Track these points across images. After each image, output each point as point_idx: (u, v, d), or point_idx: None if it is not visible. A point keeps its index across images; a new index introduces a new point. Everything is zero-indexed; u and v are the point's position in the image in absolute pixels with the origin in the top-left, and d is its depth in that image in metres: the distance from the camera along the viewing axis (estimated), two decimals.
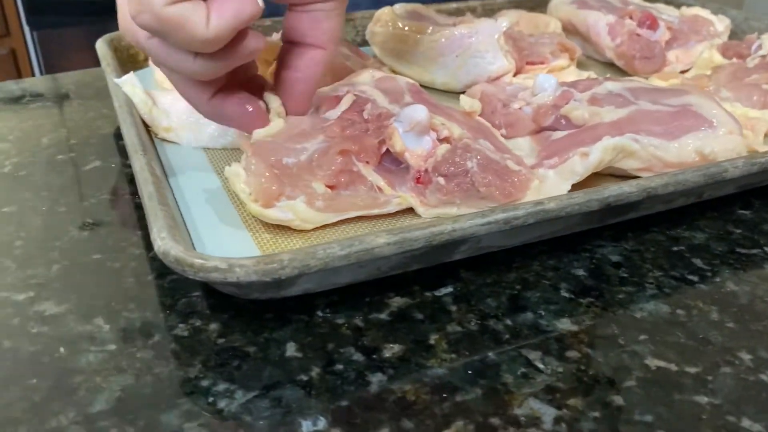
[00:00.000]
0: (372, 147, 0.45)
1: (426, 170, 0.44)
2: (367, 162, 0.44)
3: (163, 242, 0.33)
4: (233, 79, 0.44)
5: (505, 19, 0.62)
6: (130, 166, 0.48)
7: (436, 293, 0.38)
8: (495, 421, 0.29)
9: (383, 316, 0.36)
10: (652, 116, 0.49)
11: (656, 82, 0.62)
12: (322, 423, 0.29)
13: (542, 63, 0.67)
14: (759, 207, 0.47)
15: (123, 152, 0.54)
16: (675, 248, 0.42)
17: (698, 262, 0.41)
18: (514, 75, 0.64)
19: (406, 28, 0.66)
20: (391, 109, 0.48)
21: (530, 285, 0.38)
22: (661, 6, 0.80)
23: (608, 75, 0.70)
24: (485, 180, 0.43)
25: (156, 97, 0.53)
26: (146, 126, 0.52)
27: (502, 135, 0.52)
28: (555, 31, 0.72)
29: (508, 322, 0.35)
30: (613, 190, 0.39)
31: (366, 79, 0.53)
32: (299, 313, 0.36)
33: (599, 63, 0.74)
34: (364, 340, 0.34)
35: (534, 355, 0.33)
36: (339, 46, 0.41)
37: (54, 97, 0.66)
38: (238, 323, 0.35)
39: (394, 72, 0.68)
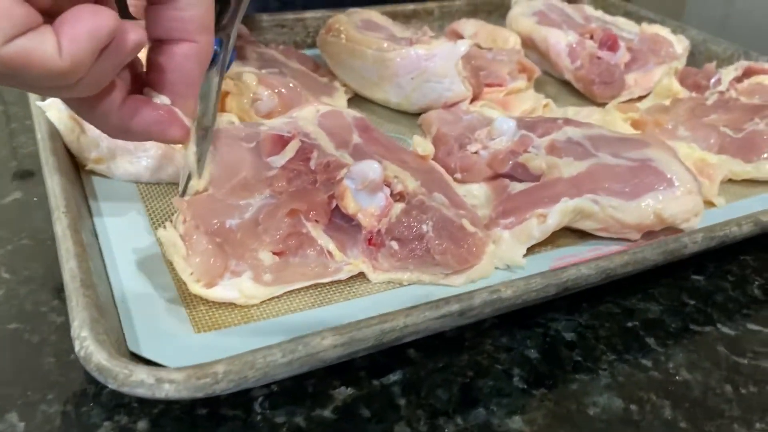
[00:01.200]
0: (322, 204, 0.42)
1: (379, 231, 0.41)
2: (317, 221, 0.41)
3: (83, 345, 0.29)
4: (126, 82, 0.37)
5: (465, 42, 0.59)
6: None
7: (384, 381, 0.36)
8: None
9: (327, 413, 0.34)
10: (611, 171, 0.47)
11: (614, 113, 0.61)
12: None
13: (500, 85, 0.65)
14: (713, 271, 0.46)
15: None
16: (629, 323, 0.41)
17: (652, 341, 0.40)
18: (471, 101, 0.61)
19: (361, 41, 0.62)
20: (339, 156, 0.45)
21: (483, 371, 0.37)
22: (621, 21, 0.78)
23: (565, 95, 0.69)
24: (440, 247, 0.41)
25: (84, 122, 0.48)
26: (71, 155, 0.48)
27: (456, 179, 0.50)
28: (514, 47, 0.70)
29: (459, 421, 0.34)
30: (571, 273, 0.37)
31: (310, 115, 0.50)
32: (235, 409, 0.33)
33: (556, 81, 0.72)
34: None
35: None
36: (212, 35, 0.37)
37: None
38: (168, 421, 0.33)
39: (345, 86, 0.65)
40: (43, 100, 0.49)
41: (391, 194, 0.43)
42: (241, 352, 0.30)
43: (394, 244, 0.41)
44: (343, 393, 0.35)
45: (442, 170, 0.49)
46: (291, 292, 0.40)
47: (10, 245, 0.43)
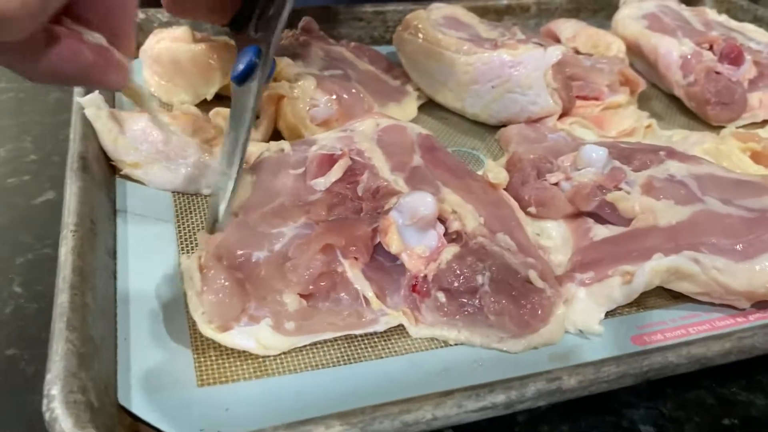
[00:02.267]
0: (364, 239, 0.36)
1: (425, 277, 0.35)
2: (356, 258, 0.36)
3: (50, 406, 0.25)
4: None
5: (558, 49, 0.51)
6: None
7: None
8: None
9: None
10: (721, 222, 0.38)
11: (730, 142, 0.51)
12: None
13: (597, 99, 0.56)
14: None
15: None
16: (726, 420, 0.33)
17: None
18: (561, 117, 0.53)
19: (439, 41, 0.55)
20: (392, 182, 0.39)
21: None
22: (749, 28, 0.67)
23: (674, 114, 0.60)
24: (496, 306, 0.34)
25: (125, 122, 0.45)
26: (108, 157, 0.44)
27: (530, 213, 0.42)
28: (617, 55, 0.61)
29: None
30: (654, 362, 0.30)
31: (368, 129, 0.44)
32: None
33: (666, 96, 0.63)
34: None
35: None
36: None
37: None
38: None
39: (419, 90, 0.58)
40: (86, 94, 0.45)
41: (446, 233, 0.37)
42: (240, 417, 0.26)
43: (441, 296, 0.35)
44: None
45: (513, 203, 0.42)
46: (319, 343, 0.34)
47: (30, 254, 0.40)
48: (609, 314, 0.37)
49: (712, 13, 0.68)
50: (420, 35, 0.57)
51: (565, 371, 0.29)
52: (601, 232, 0.40)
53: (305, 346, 0.34)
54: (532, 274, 0.36)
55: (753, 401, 0.34)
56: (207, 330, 0.32)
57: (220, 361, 0.32)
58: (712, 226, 0.38)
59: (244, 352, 0.32)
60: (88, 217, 0.36)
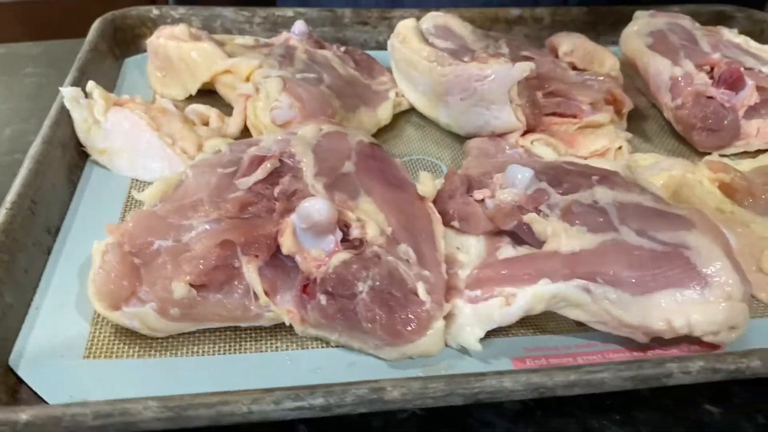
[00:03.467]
0: (266, 238, 0.38)
1: (315, 280, 0.37)
2: (256, 256, 0.38)
3: None
4: None
5: (524, 66, 0.51)
6: None
7: None
8: None
9: None
10: (628, 254, 0.38)
11: (702, 170, 0.50)
12: None
13: (575, 117, 0.56)
14: (738, 404, 0.36)
15: None
16: None
17: None
18: (527, 133, 0.53)
19: (421, 50, 0.56)
20: (311, 186, 0.41)
21: None
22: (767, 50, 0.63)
23: (665, 137, 0.58)
24: (369, 314, 0.35)
25: (101, 113, 0.49)
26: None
27: (453, 227, 0.43)
28: (609, 73, 0.59)
29: None
30: (487, 385, 0.30)
31: (310, 134, 0.46)
32: None
33: (661, 118, 0.61)
34: None
35: None
36: None
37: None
38: None
39: (404, 98, 0.60)
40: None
41: (346, 239, 0.38)
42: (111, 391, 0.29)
43: (324, 299, 0.36)
44: None
45: (436, 217, 0.43)
46: (209, 330, 0.37)
47: None
48: (502, 333, 0.38)
49: (729, 34, 0.65)
50: (405, 43, 0.58)
51: (390, 382, 0.30)
52: (507, 251, 0.40)
53: (195, 332, 0.37)
54: (420, 287, 0.37)
55: None
56: (98, 307, 0.35)
57: (112, 338, 0.36)
58: (618, 257, 0.38)
59: (135, 332, 0.36)
60: (29, 197, 0.40)
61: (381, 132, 0.57)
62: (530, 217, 0.41)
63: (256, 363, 0.36)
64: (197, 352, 0.36)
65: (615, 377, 0.31)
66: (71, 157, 0.47)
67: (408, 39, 0.58)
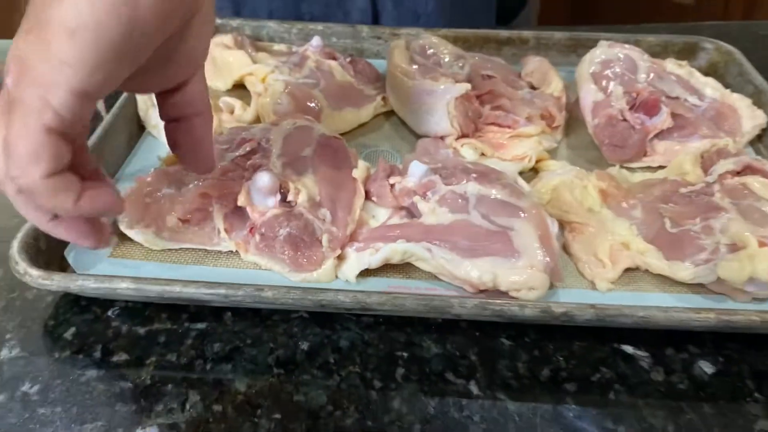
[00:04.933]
0: (231, 194, 0.58)
1: (256, 224, 0.56)
2: (224, 204, 0.58)
3: (12, 243, 0.51)
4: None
5: (460, 87, 0.67)
6: None
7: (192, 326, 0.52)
8: None
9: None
10: (468, 230, 0.54)
11: (589, 178, 0.63)
12: None
13: (509, 127, 0.70)
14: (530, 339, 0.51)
15: None
16: (399, 353, 0.50)
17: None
18: (461, 137, 0.69)
19: (399, 66, 0.73)
20: (272, 163, 0.60)
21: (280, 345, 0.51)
22: (710, 84, 0.74)
23: (591, 150, 0.71)
24: (282, 250, 0.54)
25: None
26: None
27: (373, 201, 0.61)
28: (552, 93, 0.73)
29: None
30: (327, 296, 0.48)
31: (286, 126, 0.64)
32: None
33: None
34: None
35: None
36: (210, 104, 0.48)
37: None
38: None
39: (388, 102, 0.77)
40: None
41: (284, 200, 0.57)
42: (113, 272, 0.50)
43: (257, 237, 0.55)
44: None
45: (360, 193, 0.60)
46: (187, 249, 0.57)
47: None
48: (379, 274, 0.55)
49: (673, 66, 0.76)
50: (391, 59, 0.75)
51: (270, 288, 0.48)
52: (394, 220, 0.57)
53: (178, 249, 0.57)
54: (325, 238, 0.55)
55: (428, 346, 0.51)
56: (120, 226, 0.56)
57: (128, 245, 0.57)
58: (460, 231, 0.54)
59: (141, 245, 0.56)
60: (96, 153, 0.62)
61: (362, 127, 0.74)
62: (416, 199, 0.57)
63: (213, 272, 0.55)
64: (178, 261, 0.56)
65: (413, 304, 0.48)
66: (132, 128, 0.69)
67: (394, 55, 0.75)
